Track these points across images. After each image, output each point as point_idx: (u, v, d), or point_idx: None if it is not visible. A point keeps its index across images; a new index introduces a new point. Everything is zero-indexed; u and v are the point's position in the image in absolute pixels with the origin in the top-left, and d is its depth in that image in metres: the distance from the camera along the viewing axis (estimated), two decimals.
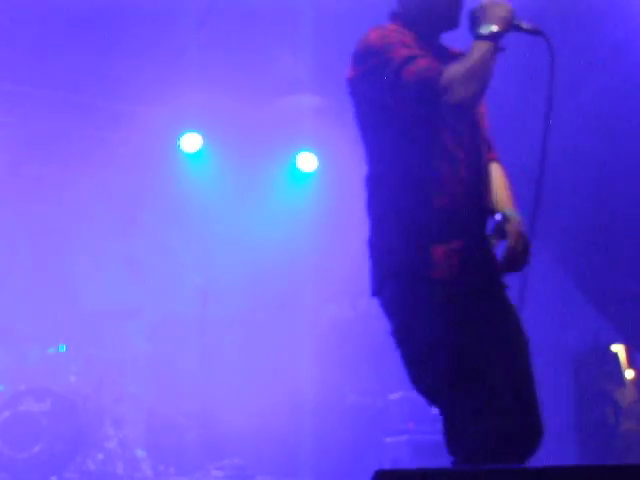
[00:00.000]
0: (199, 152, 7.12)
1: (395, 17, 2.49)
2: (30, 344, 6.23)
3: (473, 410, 2.13)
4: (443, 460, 6.04)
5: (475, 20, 2.25)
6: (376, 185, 2.51)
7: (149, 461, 5.98)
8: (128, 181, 7.13)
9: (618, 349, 5.79)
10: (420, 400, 6.51)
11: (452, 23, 2.41)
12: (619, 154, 5.92)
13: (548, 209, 6.74)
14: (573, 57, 5.92)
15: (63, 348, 6.15)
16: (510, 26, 2.24)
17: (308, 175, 7.44)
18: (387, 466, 5.92)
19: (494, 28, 2.20)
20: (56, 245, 6.98)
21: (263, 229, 7.24)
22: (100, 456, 5.90)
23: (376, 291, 2.38)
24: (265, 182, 7.33)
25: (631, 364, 5.75)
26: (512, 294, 2.64)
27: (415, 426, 6.01)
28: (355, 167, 7.39)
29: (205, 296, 6.48)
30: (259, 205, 7.30)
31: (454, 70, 2.18)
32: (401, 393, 6.16)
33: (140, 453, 6.01)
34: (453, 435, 2.22)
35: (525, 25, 2.30)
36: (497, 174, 2.67)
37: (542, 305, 6.87)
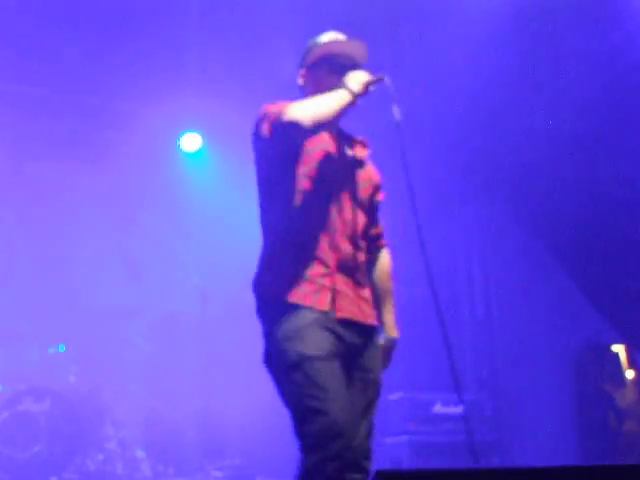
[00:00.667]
0: (199, 152, 7.12)
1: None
2: (30, 344, 6.23)
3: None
4: (443, 460, 6.06)
5: (347, 76, 2.69)
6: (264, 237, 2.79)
7: (148, 461, 5.98)
8: (128, 181, 7.12)
9: (618, 349, 5.78)
10: (420, 400, 6.54)
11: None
12: (620, 154, 5.91)
13: (549, 209, 6.78)
14: (572, 58, 5.94)
15: (62, 348, 6.14)
16: (366, 91, 2.69)
17: None
18: (387, 466, 5.91)
19: (356, 89, 2.65)
20: (55, 245, 6.98)
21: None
22: (100, 456, 5.90)
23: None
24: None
25: (632, 364, 5.74)
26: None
27: (415, 426, 6.00)
28: None
29: (204, 296, 6.47)
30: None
31: (306, 99, 2.65)
32: (401, 393, 6.15)
33: (139, 453, 6.00)
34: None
35: (373, 88, 2.74)
36: (385, 269, 3.00)
37: (543, 306, 6.86)
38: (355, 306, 2.65)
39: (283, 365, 2.51)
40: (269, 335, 2.59)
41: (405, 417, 6.05)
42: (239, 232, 7.22)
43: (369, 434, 2.61)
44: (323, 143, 2.74)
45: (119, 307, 6.42)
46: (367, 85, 2.68)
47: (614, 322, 6.06)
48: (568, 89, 6.24)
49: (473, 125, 6.78)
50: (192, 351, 6.57)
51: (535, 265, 7.00)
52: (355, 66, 2.79)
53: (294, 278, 2.59)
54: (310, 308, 2.54)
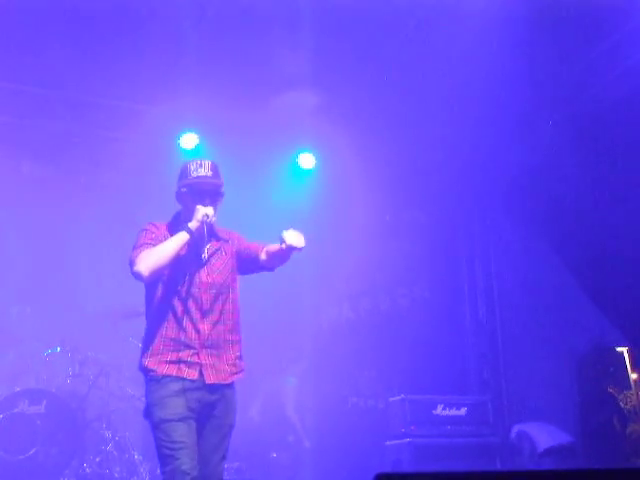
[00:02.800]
0: (197, 150, 7.07)
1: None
2: (26, 346, 6.18)
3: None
4: (444, 463, 6.00)
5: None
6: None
7: (146, 464, 5.92)
8: (127, 181, 7.07)
9: (623, 351, 5.72)
10: (421, 403, 6.49)
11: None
12: (621, 155, 5.88)
13: (552, 209, 6.72)
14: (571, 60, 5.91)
15: (58, 350, 6.09)
16: (203, 224, 3.62)
17: (307, 172, 7.37)
18: (388, 469, 5.85)
19: (194, 226, 3.62)
20: (52, 245, 6.93)
21: (263, 229, 7.17)
22: (97, 459, 5.85)
23: None
24: (264, 180, 7.27)
25: (636, 366, 5.68)
26: None
27: (416, 429, 5.94)
28: (354, 164, 7.36)
29: None
30: (259, 205, 7.24)
31: (147, 251, 3.60)
32: (402, 396, 6.10)
33: (137, 456, 5.95)
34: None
35: (210, 218, 3.68)
36: (269, 249, 3.79)
37: (546, 308, 6.81)
38: (219, 372, 3.54)
39: (151, 423, 3.46)
40: (147, 399, 3.51)
41: (406, 420, 6.00)
42: (239, 232, 7.17)
43: (221, 460, 3.56)
44: (178, 256, 3.59)
45: (116, 308, 6.35)
46: (202, 219, 3.60)
47: (618, 324, 6.01)
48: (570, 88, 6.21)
49: (473, 125, 6.74)
50: None
51: (538, 267, 6.95)
52: (212, 191, 3.75)
53: (169, 360, 3.48)
54: (182, 379, 3.45)
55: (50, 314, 6.36)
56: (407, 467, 5.74)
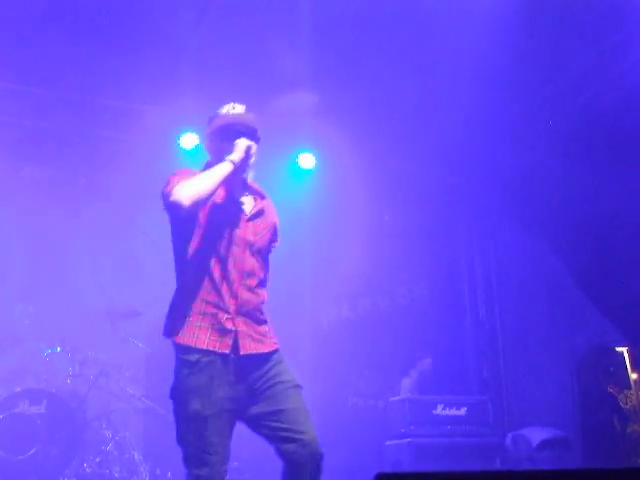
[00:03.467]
0: (197, 150, 7.08)
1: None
2: (26, 346, 6.18)
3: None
4: (444, 463, 6.00)
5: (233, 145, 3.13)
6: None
7: (146, 464, 5.92)
8: (127, 181, 7.07)
9: (623, 351, 5.72)
10: (421, 403, 6.49)
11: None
12: (621, 155, 5.88)
13: (553, 211, 6.72)
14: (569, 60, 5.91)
15: (58, 350, 6.09)
16: (247, 156, 3.13)
17: (307, 172, 7.37)
18: (388, 469, 5.86)
19: (236, 157, 3.10)
20: (52, 245, 6.93)
21: None
22: (97, 459, 5.85)
23: None
24: (264, 180, 7.25)
25: (636, 366, 5.68)
26: None
27: (416, 429, 5.95)
28: (354, 164, 7.35)
29: None
30: None
31: (185, 181, 3.03)
32: (402, 395, 6.10)
33: (137, 456, 5.95)
34: None
35: (254, 150, 3.17)
36: None
37: (546, 308, 6.81)
38: (256, 342, 3.07)
39: (182, 412, 2.98)
40: (178, 379, 3.04)
41: (406, 420, 6.00)
42: None
43: (310, 422, 3.08)
44: (217, 205, 3.14)
45: (116, 308, 6.35)
46: (246, 150, 3.12)
47: (618, 324, 6.01)
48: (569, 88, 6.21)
49: (473, 125, 6.74)
50: None
51: (538, 267, 6.96)
52: (248, 132, 3.21)
53: (200, 325, 3.03)
54: (214, 354, 2.98)
55: (50, 314, 6.36)
56: (407, 467, 5.74)
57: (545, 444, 5.98)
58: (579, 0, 5.26)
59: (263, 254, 3.21)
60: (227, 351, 2.99)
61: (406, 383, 6.70)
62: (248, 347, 3.03)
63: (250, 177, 3.32)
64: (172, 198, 2.98)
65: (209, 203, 3.09)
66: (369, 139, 6.97)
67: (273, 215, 3.35)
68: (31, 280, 6.75)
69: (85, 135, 6.89)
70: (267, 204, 3.34)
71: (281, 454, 3.02)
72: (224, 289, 3.05)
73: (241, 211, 3.20)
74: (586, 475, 1.87)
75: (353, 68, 6.11)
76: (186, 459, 2.97)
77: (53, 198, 6.94)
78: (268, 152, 7.06)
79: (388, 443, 6.14)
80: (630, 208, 5.84)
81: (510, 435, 6.29)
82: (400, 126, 6.80)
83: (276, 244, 3.35)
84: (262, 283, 3.20)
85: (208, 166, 3.20)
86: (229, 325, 3.02)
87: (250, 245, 3.14)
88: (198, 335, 3.00)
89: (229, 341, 3.00)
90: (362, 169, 6.97)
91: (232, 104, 3.30)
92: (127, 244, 7.16)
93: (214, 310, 3.03)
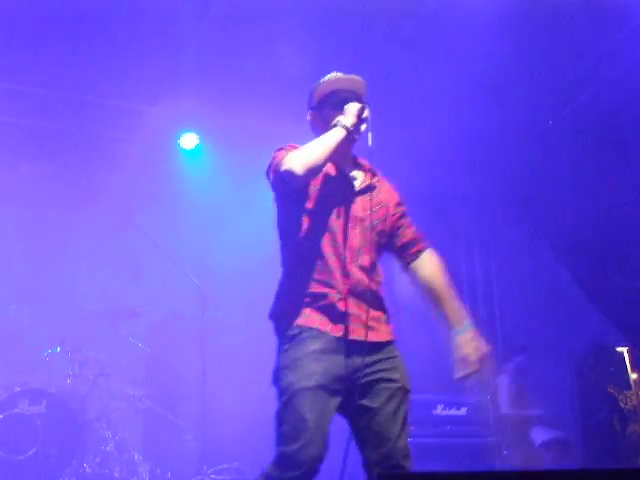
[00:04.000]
0: (197, 150, 7.08)
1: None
2: (26, 346, 6.17)
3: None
4: (444, 463, 5.98)
5: (343, 111, 2.91)
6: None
7: (146, 465, 5.91)
8: (127, 181, 7.07)
9: (623, 351, 5.72)
10: (421, 402, 6.48)
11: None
12: (621, 155, 5.88)
13: (551, 209, 6.72)
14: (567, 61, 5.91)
15: (58, 350, 6.08)
16: (360, 121, 2.89)
17: None
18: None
19: (349, 122, 2.87)
20: (52, 245, 6.93)
21: (262, 229, 7.17)
22: (97, 459, 5.84)
23: None
24: (265, 180, 7.25)
25: (636, 366, 5.68)
26: None
27: (416, 429, 5.94)
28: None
29: (203, 297, 6.41)
30: (258, 205, 7.23)
31: (301, 148, 2.84)
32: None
33: (137, 456, 5.94)
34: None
35: (366, 115, 2.93)
36: (434, 267, 3.20)
37: (546, 308, 6.80)
38: (366, 327, 2.81)
39: (278, 389, 2.79)
40: (277, 357, 2.87)
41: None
42: (238, 232, 7.18)
43: (402, 433, 2.84)
44: (327, 179, 2.93)
45: (116, 308, 6.35)
46: (359, 115, 2.89)
47: (618, 324, 6.01)
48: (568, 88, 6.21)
49: (473, 125, 6.74)
50: (190, 353, 6.51)
51: (538, 266, 6.95)
52: (355, 98, 2.97)
53: (309, 304, 2.83)
54: (324, 334, 2.76)
55: (50, 314, 6.35)
56: None
57: (548, 445, 5.97)
58: None
59: (378, 231, 2.97)
60: (338, 334, 2.78)
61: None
62: (357, 332, 2.80)
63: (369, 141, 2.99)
64: (284, 167, 2.77)
65: (318, 177, 2.89)
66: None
67: (387, 192, 3.09)
68: (31, 280, 6.74)
69: (85, 135, 6.89)
70: (380, 180, 3.09)
71: (361, 455, 2.90)
72: (335, 268, 2.84)
73: (351, 186, 2.98)
74: (586, 475, 1.87)
75: (354, 67, 6.10)
76: (278, 438, 2.74)
77: (53, 198, 6.93)
78: (268, 152, 7.12)
79: None
80: (630, 208, 5.84)
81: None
82: (399, 126, 6.80)
83: (401, 211, 3.10)
84: (375, 263, 2.96)
85: None
86: (340, 306, 2.80)
87: (361, 221, 2.92)
88: (308, 315, 2.80)
89: (339, 323, 2.79)
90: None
91: (335, 72, 3.11)
92: (127, 244, 7.15)
93: (325, 290, 2.82)
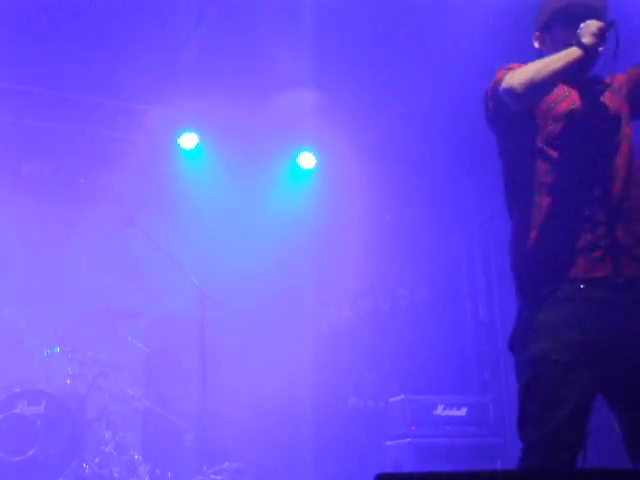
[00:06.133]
0: (198, 150, 7.07)
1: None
2: (25, 346, 6.16)
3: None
4: (444, 464, 5.98)
5: (579, 29, 2.49)
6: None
7: (146, 465, 5.91)
8: (127, 181, 7.07)
9: None
10: (421, 403, 6.47)
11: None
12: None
13: None
14: None
15: (57, 350, 6.08)
16: (601, 40, 2.47)
17: (307, 172, 7.36)
18: (388, 469, 5.84)
19: (587, 41, 2.44)
20: (52, 245, 6.92)
21: (262, 229, 7.18)
22: (96, 459, 5.83)
23: None
24: (264, 180, 7.26)
25: None
26: None
27: (416, 429, 5.93)
28: (354, 164, 7.32)
29: (203, 297, 6.39)
30: (258, 205, 7.23)
31: (526, 65, 2.46)
32: (402, 396, 6.09)
33: (137, 457, 5.93)
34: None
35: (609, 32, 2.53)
36: None
37: None
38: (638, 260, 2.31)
39: (518, 358, 2.37)
40: (517, 323, 2.43)
41: (407, 420, 5.98)
42: (238, 232, 7.18)
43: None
44: (563, 101, 2.53)
45: (116, 308, 6.35)
46: (600, 33, 2.46)
47: None
48: None
49: (473, 126, 6.72)
50: (190, 353, 6.50)
51: None
52: (592, 14, 2.54)
53: (562, 245, 2.34)
54: (586, 283, 2.26)
55: (49, 314, 6.35)
56: (407, 467, 5.73)
57: None
58: None
59: (628, 143, 2.51)
60: (602, 274, 2.25)
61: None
62: (629, 268, 2.26)
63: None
64: (503, 85, 2.42)
65: (549, 98, 2.48)
66: (370, 138, 6.96)
67: (620, 86, 2.68)
68: (30, 280, 6.74)
69: (85, 135, 6.89)
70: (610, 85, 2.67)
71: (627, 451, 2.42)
72: (593, 191, 2.36)
73: (593, 106, 2.54)
74: (586, 475, 1.86)
75: (353, 67, 6.10)
76: (522, 423, 2.32)
77: (52, 198, 6.93)
78: (268, 152, 7.12)
79: (388, 443, 6.12)
80: None
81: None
82: (401, 126, 6.79)
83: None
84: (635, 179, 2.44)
85: None
86: (606, 241, 2.28)
87: (613, 142, 2.47)
88: (564, 260, 2.30)
89: (604, 260, 2.26)
90: (363, 169, 6.96)
91: None
92: (127, 244, 7.15)
93: (581, 223, 2.32)
